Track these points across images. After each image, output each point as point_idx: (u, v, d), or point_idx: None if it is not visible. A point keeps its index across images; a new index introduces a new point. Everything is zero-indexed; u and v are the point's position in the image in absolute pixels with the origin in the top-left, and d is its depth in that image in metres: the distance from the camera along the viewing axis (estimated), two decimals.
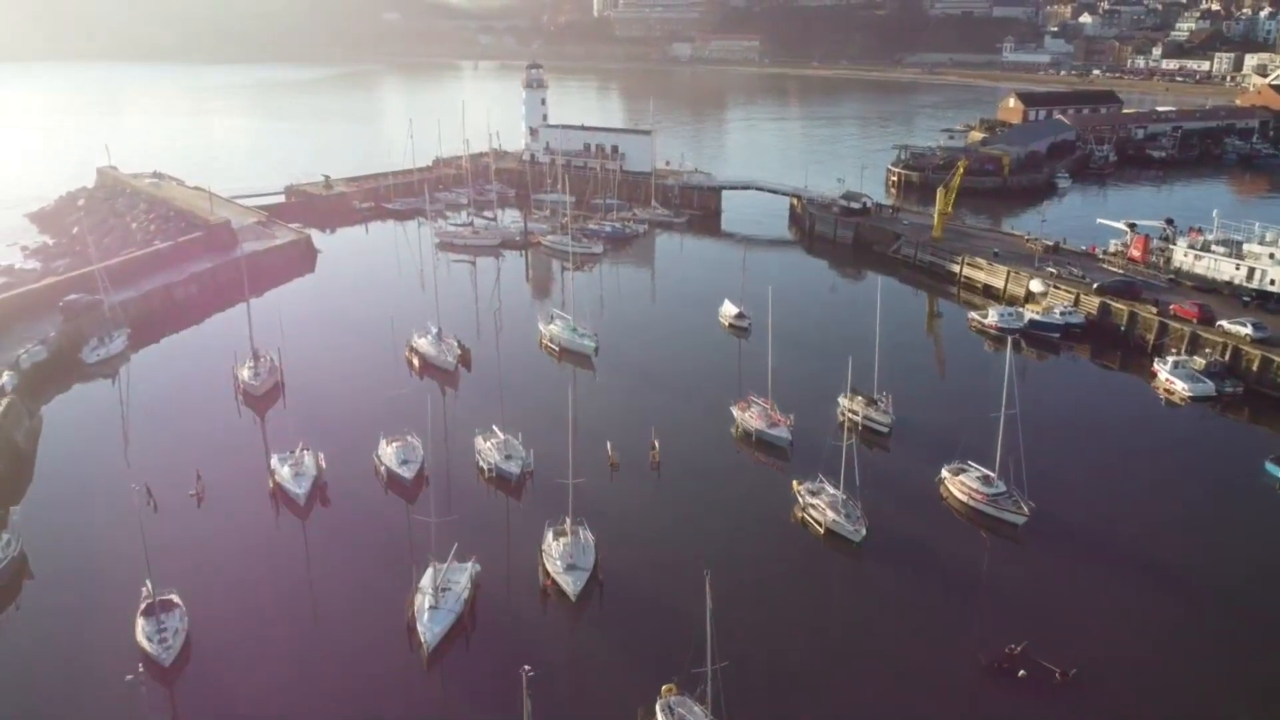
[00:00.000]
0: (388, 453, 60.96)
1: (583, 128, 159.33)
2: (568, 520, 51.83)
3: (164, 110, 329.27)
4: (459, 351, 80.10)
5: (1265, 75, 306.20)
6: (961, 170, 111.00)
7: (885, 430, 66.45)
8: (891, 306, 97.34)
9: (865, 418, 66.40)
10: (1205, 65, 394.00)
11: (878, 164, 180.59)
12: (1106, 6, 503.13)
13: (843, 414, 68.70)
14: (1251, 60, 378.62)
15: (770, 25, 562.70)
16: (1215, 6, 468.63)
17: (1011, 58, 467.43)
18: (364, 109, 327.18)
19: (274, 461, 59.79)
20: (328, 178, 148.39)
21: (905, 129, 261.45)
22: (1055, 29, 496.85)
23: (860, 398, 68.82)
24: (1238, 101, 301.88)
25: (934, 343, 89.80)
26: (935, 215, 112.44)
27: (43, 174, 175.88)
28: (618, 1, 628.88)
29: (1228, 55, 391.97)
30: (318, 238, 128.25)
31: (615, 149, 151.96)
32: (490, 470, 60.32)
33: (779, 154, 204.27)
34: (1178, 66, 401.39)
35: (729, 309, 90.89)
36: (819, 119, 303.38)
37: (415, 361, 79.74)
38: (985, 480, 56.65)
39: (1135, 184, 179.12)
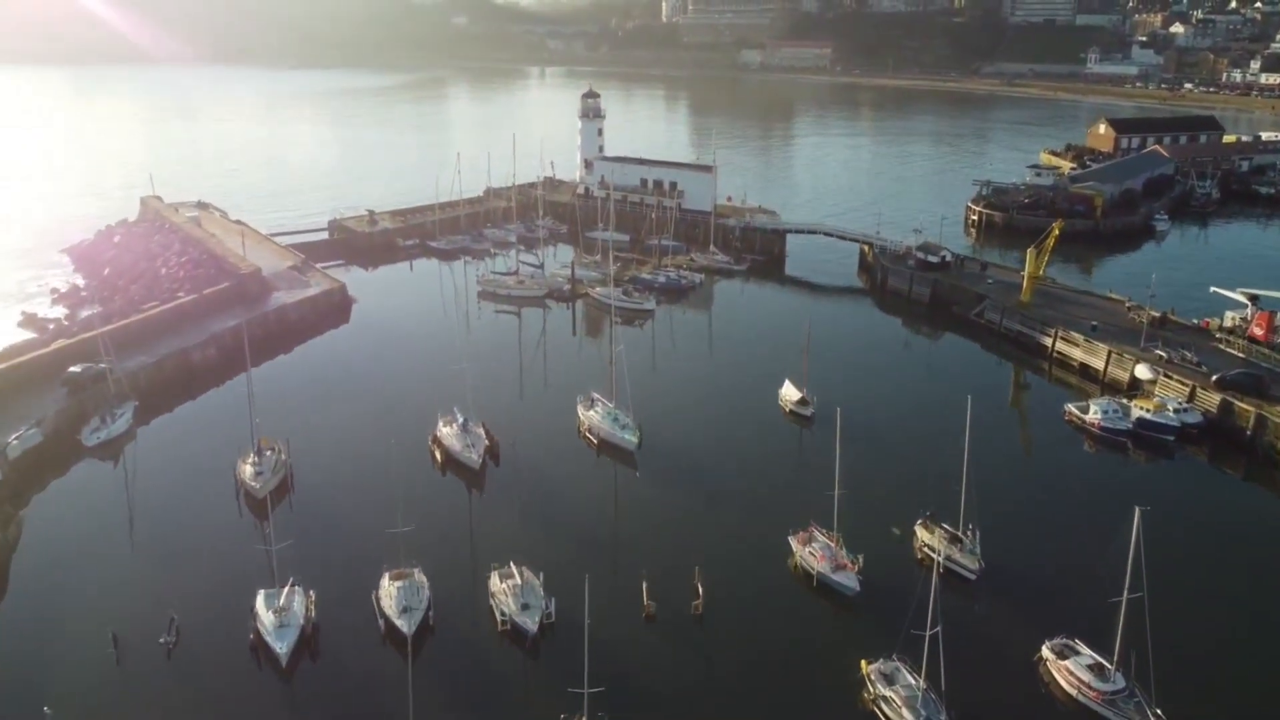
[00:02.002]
0: (389, 593, 52.85)
1: (640, 161, 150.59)
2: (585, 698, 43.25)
3: (236, 117, 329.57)
4: (486, 442, 71.89)
5: None
6: (1057, 232, 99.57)
7: (972, 576, 56.33)
8: (975, 385, 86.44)
9: (948, 558, 56.38)
10: None
11: (955, 198, 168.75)
12: (1200, 15, 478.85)
13: (920, 550, 58.93)
14: None
15: (842, 32, 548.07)
16: None
17: (1096, 69, 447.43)
18: (427, 120, 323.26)
19: (259, 603, 52.06)
20: (371, 212, 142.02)
21: (981, 151, 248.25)
22: (1144, 39, 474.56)
23: (941, 530, 58.94)
24: None
25: (1026, 445, 77.96)
26: (1024, 278, 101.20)
27: (92, 197, 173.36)
28: (687, 7, 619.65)
29: None
30: (358, 279, 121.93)
31: (674, 185, 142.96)
32: (504, 621, 51.81)
33: (848, 181, 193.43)
34: (1278, 81, 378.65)
35: (790, 392, 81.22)
36: (891, 136, 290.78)
37: (438, 454, 71.64)
38: (1099, 672, 46.41)
39: (1240, 222, 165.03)
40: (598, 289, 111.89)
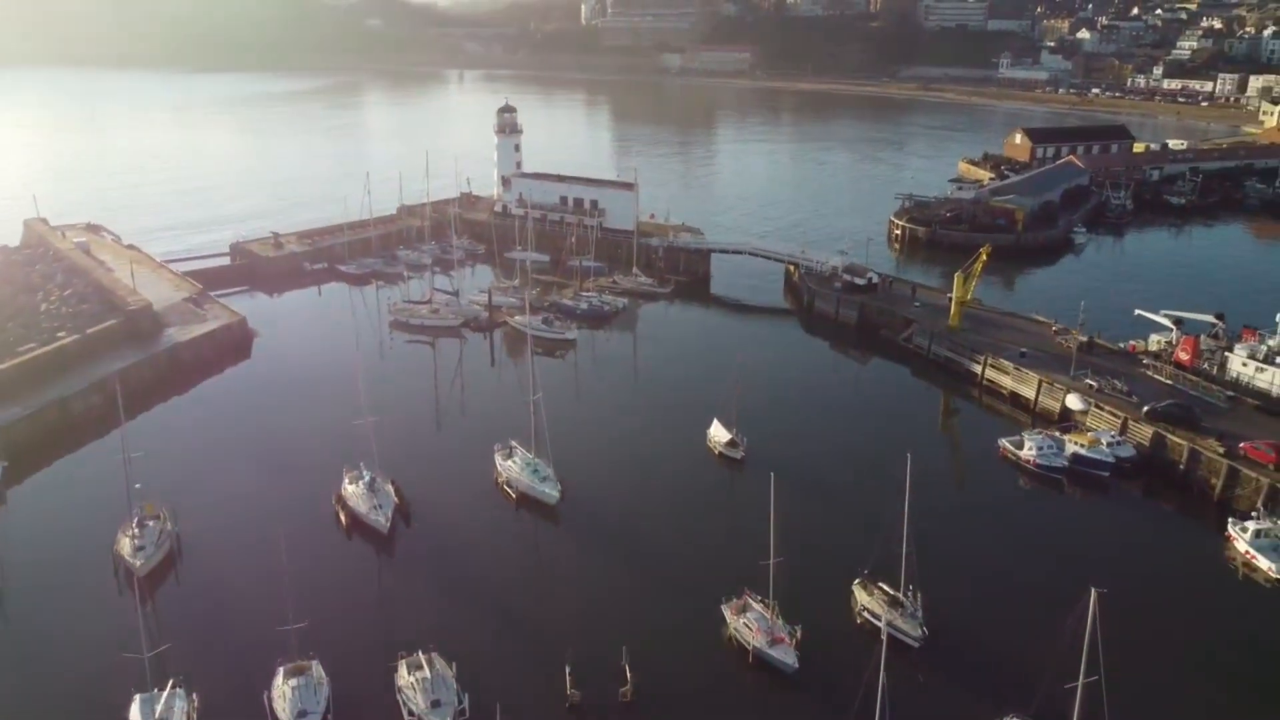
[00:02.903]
0: (283, 693, 47.64)
1: (559, 179, 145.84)
2: None
3: (131, 127, 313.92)
4: (395, 501, 66.77)
5: (1276, 102, 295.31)
6: (985, 257, 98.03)
7: (915, 644, 53.29)
8: (907, 417, 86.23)
9: (889, 623, 53.18)
10: (1208, 86, 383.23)
11: (877, 210, 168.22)
12: (1105, 22, 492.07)
13: (860, 615, 55.76)
14: (1257, 82, 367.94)
15: (762, 36, 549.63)
16: (1217, 24, 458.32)
17: (1008, 74, 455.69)
18: (339, 130, 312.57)
19: (134, 711, 46.31)
20: (276, 235, 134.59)
21: (901, 161, 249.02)
22: (1052, 44, 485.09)
23: (880, 592, 55.92)
24: (1246, 129, 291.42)
25: (963, 486, 74.40)
26: (952, 303, 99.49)
27: None
28: (606, 10, 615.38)
29: (1232, 76, 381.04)
30: (261, 309, 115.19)
31: (595, 204, 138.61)
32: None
33: (771, 193, 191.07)
34: (1180, 86, 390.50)
35: (719, 433, 77.65)
36: (813, 142, 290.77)
37: (343, 517, 66.19)
38: None
39: (1153, 233, 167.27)
40: (517, 318, 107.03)
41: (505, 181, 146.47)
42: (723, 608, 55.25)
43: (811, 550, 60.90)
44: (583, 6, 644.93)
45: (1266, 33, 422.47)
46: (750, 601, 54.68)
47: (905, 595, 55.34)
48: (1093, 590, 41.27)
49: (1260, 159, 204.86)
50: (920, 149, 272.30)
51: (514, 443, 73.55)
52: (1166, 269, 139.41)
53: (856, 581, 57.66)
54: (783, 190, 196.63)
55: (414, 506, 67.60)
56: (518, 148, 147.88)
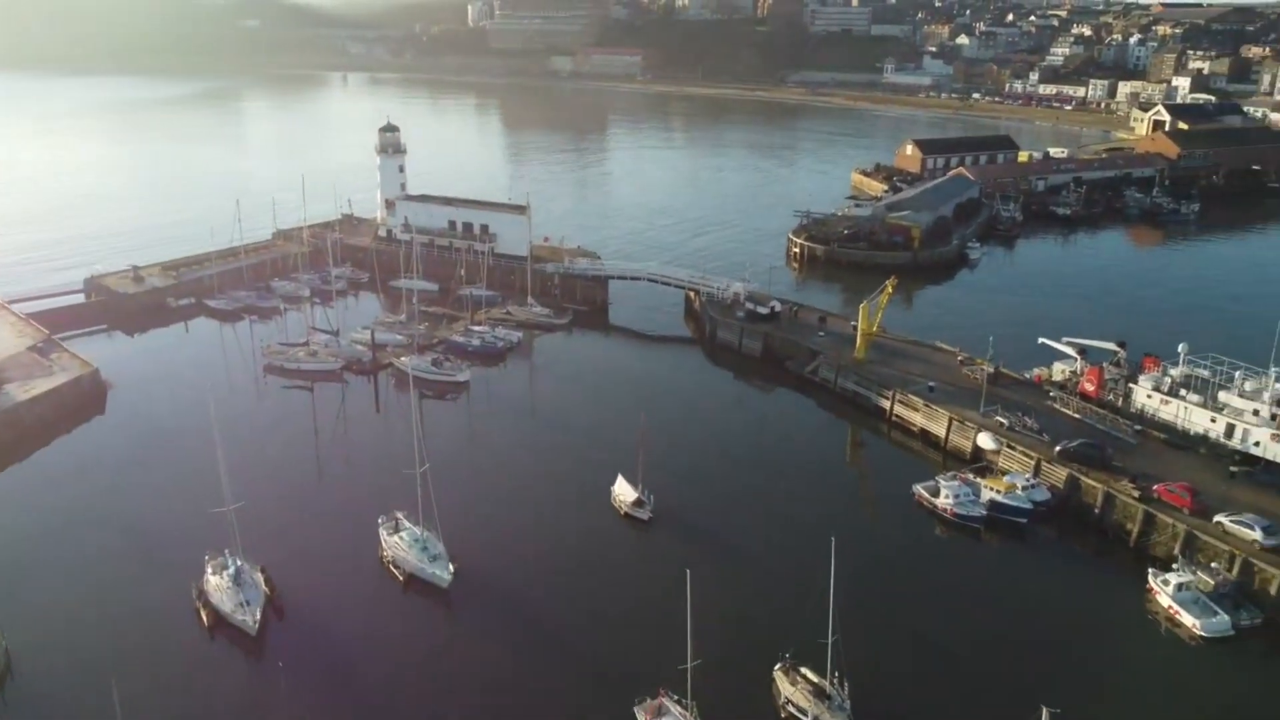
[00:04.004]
0: None
1: (447, 201, 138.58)
2: None
3: None
4: (265, 592, 59.67)
5: (1145, 109, 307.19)
6: (890, 290, 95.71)
7: None
8: (819, 460, 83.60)
9: (814, 718, 49.14)
10: (1081, 91, 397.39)
11: (774, 222, 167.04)
12: (983, 28, 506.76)
13: (783, 709, 51.49)
14: (1126, 88, 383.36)
15: (653, 40, 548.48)
16: (1087, 32, 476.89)
17: (893, 79, 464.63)
18: (210, 142, 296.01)
19: None
20: (136, 268, 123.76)
21: (794, 176, 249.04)
22: (934, 50, 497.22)
23: (804, 681, 51.82)
24: (1118, 134, 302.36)
25: (881, 541, 69.57)
26: (858, 335, 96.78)
27: None
28: (494, 12, 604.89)
29: (1102, 82, 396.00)
30: (118, 354, 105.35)
31: (485, 228, 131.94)
32: None
33: (667, 207, 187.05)
34: (1055, 92, 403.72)
35: (624, 490, 72.70)
36: (707, 150, 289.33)
37: (204, 616, 58.66)
38: None
39: (1042, 244, 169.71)
40: (403, 359, 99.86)
41: (389, 204, 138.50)
42: (636, 709, 50.24)
43: (729, 632, 56.43)
44: (470, 8, 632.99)
45: (1133, 40, 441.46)
46: (666, 703, 49.78)
47: (831, 682, 51.27)
48: (1045, 710, 37.69)
49: (1137, 168, 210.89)
50: (813, 157, 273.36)
51: (400, 514, 67.06)
52: (1059, 282, 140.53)
53: (778, 667, 53.44)
54: (680, 203, 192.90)
55: (288, 597, 60.54)
56: (402, 168, 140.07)
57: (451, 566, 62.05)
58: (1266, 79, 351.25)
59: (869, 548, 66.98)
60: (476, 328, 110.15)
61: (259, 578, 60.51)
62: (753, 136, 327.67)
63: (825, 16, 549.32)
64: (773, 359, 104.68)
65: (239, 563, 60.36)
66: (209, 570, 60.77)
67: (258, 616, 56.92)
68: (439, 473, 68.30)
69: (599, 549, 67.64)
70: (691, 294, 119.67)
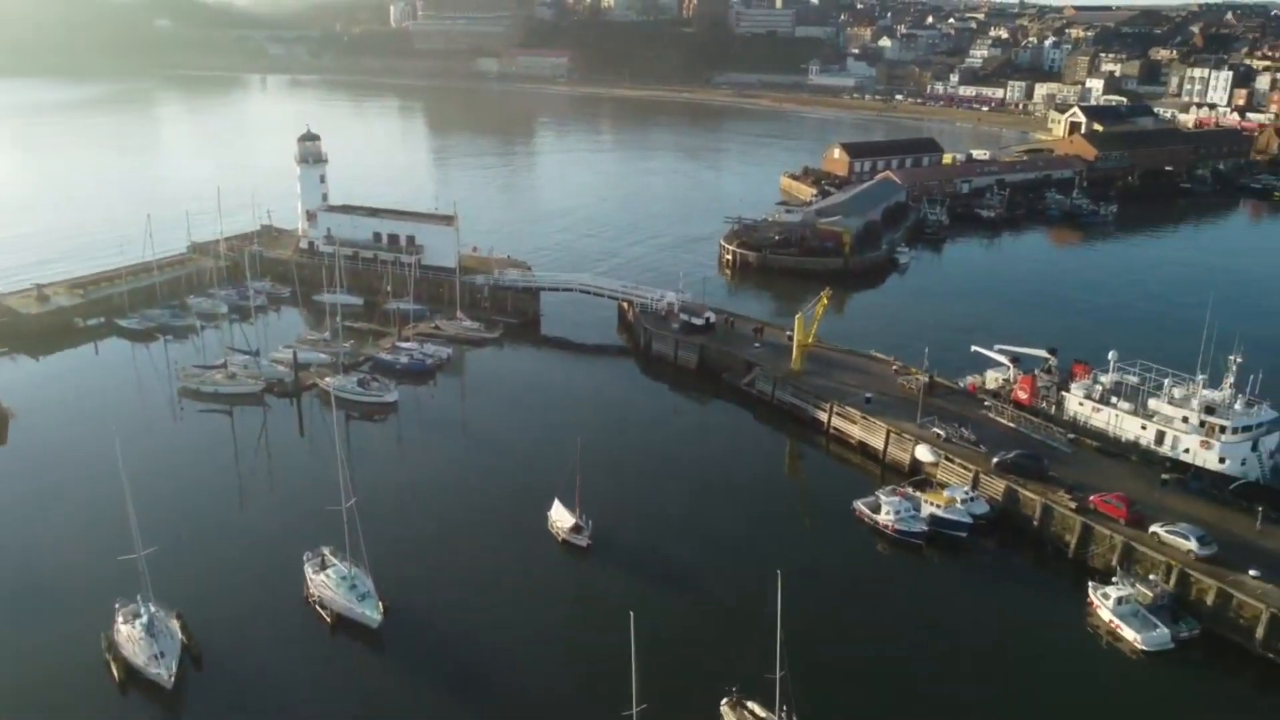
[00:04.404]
0: None
1: (372, 212, 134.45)
2: None
3: None
4: (182, 642, 56.14)
5: (1062, 110, 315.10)
6: (825, 301, 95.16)
7: None
8: (759, 475, 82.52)
9: None
10: (1000, 93, 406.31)
11: (704, 226, 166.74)
12: (904, 30, 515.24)
13: None
14: (1042, 89, 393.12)
15: (579, 41, 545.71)
16: (1004, 34, 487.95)
17: (817, 80, 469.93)
18: (119, 148, 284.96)
19: None
20: (40, 286, 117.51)
21: (722, 182, 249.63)
22: (857, 51, 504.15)
23: (752, 715, 50.42)
24: (1037, 135, 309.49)
25: (822, 559, 68.22)
26: (794, 346, 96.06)
27: None
28: (416, 12, 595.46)
29: (1020, 83, 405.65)
30: (21, 380, 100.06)
31: (412, 239, 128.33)
32: None
33: (598, 213, 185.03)
34: (974, 93, 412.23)
35: (562, 516, 70.59)
36: (635, 153, 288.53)
37: (115, 670, 54.88)
38: None
39: (968, 247, 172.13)
40: (328, 379, 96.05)
41: (310, 216, 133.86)
42: None
43: (674, 665, 54.56)
44: (392, 8, 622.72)
45: (1047, 43, 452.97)
46: None
47: (779, 716, 49.86)
48: None
49: (1057, 170, 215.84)
50: (741, 159, 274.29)
51: (327, 550, 63.88)
52: (987, 285, 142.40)
53: (725, 702, 51.90)
54: (610, 208, 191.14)
55: (207, 645, 57.00)
56: (323, 178, 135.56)
57: (381, 605, 59.21)
58: (1174, 81, 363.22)
59: (813, 570, 65.83)
60: (404, 344, 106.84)
61: (175, 625, 56.94)
62: (681, 139, 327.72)
63: (750, 18, 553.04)
64: (709, 371, 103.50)
65: (152, 609, 56.73)
66: (119, 619, 57.00)
67: (173, 669, 53.43)
68: (367, 503, 65.59)
69: (537, 580, 65.33)
70: (625, 305, 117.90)
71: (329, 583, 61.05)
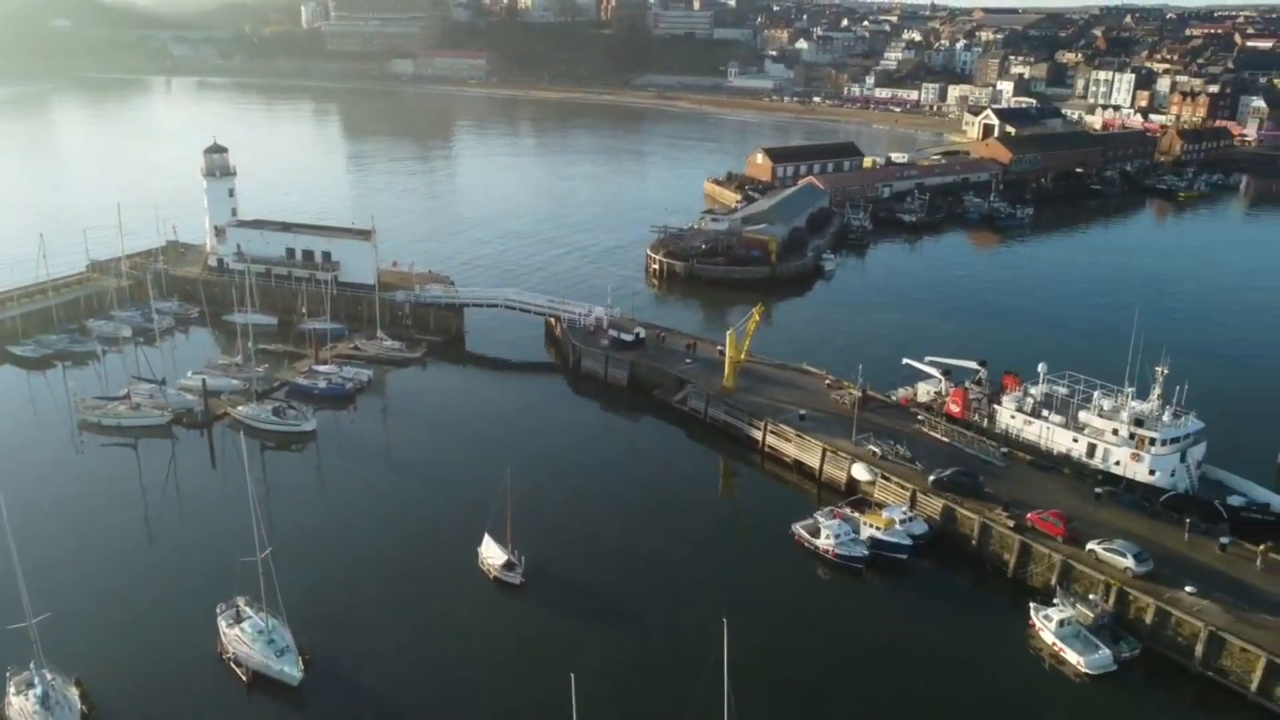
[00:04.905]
0: None
1: (285, 227, 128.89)
2: None
3: None
4: (82, 710, 51.76)
5: (975, 112, 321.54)
6: (757, 317, 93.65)
7: None
8: (694, 498, 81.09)
9: None
10: (915, 95, 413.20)
11: (630, 232, 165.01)
12: (820, 33, 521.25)
13: None
14: (955, 91, 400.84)
15: (497, 42, 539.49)
16: (917, 37, 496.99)
17: (737, 82, 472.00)
18: (13, 154, 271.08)
19: None
20: None
21: (647, 175, 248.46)
22: (775, 54, 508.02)
23: None
24: (951, 137, 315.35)
25: (765, 590, 66.03)
26: (726, 363, 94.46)
27: None
28: (329, 13, 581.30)
29: (934, 86, 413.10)
30: None
31: (328, 256, 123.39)
32: None
33: (520, 223, 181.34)
34: (890, 96, 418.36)
35: (493, 552, 67.66)
36: (557, 157, 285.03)
37: None
38: None
39: (892, 250, 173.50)
40: (241, 408, 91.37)
41: (219, 232, 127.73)
42: None
43: (615, 712, 52.20)
44: (303, 8, 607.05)
45: (959, 45, 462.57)
46: None
47: None
48: None
49: (973, 173, 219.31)
50: (664, 162, 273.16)
51: (241, 601, 59.88)
52: (912, 291, 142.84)
53: None
54: (534, 215, 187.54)
55: (109, 713, 52.67)
56: (232, 192, 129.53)
57: (302, 661, 55.62)
58: (1080, 83, 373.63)
59: (755, 601, 64.20)
60: (322, 367, 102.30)
61: (73, 694, 52.49)
62: (603, 141, 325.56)
63: (668, 20, 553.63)
64: (640, 388, 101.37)
65: (48, 677, 52.20)
66: (11, 690, 52.40)
67: None
68: (285, 545, 62.05)
69: (468, 624, 62.26)
70: (552, 320, 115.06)
71: (244, 637, 57.13)
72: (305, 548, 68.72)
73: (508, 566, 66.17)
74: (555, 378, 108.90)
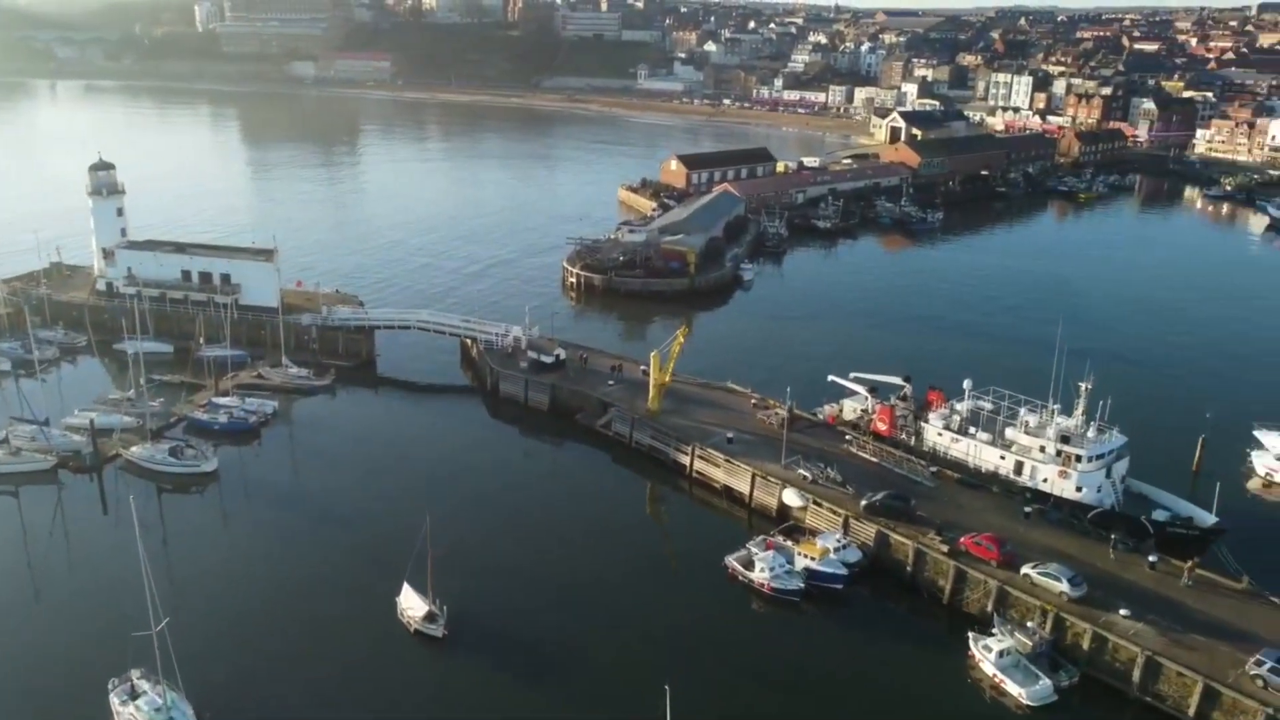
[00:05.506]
0: None
1: (179, 248, 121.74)
2: None
3: None
4: None
5: (882, 115, 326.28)
6: (682, 339, 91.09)
7: None
8: (622, 530, 78.74)
9: None
10: (822, 96, 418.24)
11: (545, 241, 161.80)
12: (728, 35, 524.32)
13: None
14: (861, 94, 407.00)
15: (401, 44, 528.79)
16: (823, 39, 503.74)
17: (646, 84, 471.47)
18: None
19: None
20: None
21: (557, 183, 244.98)
22: (684, 56, 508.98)
23: None
24: (859, 139, 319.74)
25: (700, 629, 63.83)
26: (651, 385, 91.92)
27: None
28: (224, 14, 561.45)
29: (841, 87, 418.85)
30: None
31: (227, 278, 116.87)
32: None
33: (433, 238, 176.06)
34: (799, 97, 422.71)
35: (413, 603, 63.77)
36: (466, 159, 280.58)
37: None
38: None
39: (809, 257, 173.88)
40: (134, 449, 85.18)
41: (107, 254, 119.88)
42: None
43: None
44: (197, 9, 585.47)
45: (864, 48, 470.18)
46: None
47: None
48: None
49: (884, 177, 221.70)
50: (577, 167, 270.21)
51: (137, 674, 54.86)
52: (832, 300, 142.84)
53: None
54: (445, 226, 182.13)
55: None
56: (120, 211, 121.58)
57: None
58: (981, 85, 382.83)
59: (691, 644, 61.86)
60: (222, 400, 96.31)
61: None
62: (513, 145, 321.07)
63: (576, 21, 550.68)
64: (562, 411, 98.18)
65: None
66: None
67: None
68: (185, 605, 57.69)
69: (388, 682, 58.29)
70: (468, 341, 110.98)
71: (140, 716, 52.21)
72: (207, 605, 63.76)
73: (429, 618, 62.38)
74: (473, 402, 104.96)
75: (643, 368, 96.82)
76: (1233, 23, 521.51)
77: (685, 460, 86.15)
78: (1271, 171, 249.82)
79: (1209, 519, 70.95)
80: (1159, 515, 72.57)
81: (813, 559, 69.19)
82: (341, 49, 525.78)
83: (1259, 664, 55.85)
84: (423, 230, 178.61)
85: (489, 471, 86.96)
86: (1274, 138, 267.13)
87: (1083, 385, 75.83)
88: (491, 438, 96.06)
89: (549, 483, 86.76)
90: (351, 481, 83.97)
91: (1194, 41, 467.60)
